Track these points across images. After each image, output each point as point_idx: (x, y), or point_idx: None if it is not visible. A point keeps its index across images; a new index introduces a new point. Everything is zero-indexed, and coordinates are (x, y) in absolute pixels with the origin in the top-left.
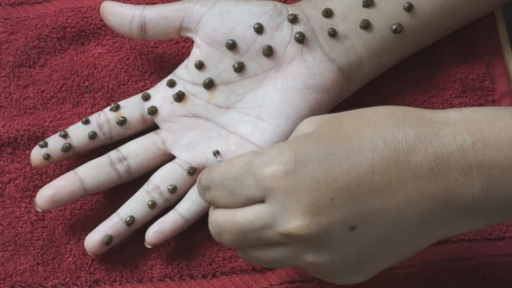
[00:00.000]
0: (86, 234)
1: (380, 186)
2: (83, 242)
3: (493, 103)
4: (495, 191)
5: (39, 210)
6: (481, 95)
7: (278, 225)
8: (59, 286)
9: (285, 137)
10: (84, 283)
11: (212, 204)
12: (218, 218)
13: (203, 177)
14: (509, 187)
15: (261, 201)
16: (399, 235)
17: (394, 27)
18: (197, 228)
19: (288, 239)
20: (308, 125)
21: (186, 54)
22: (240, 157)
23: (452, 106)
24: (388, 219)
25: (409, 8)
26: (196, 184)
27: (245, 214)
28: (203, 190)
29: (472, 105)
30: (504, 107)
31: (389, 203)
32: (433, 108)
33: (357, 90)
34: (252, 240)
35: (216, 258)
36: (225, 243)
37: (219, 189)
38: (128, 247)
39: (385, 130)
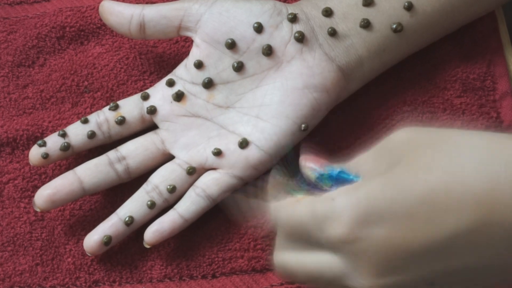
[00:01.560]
0: (85, 235)
1: (463, 248)
2: (82, 243)
3: (494, 102)
4: None
5: (38, 210)
6: (482, 95)
7: (349, 282)
8: (58, 286)
9: (285, 136)
10: (83, 284)
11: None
12: (283, 261)
13: (272, 213)
14: None
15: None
16: (480, 281)
17: (394, 26)
18: (197, 228)
19: None
20: (399, 146)
21: (186, 53)
22: (305, 202)
23: (453, 105)
24: (472, 274)
25: (409, 7)
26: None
27: (315, 262)
28: (274, 225)
29: (473, 105)
30: None
31: (474, 261)
32: (434, 108)
33: (357, 89)
34: (321, 286)
35: (216, 259)
36: (296, 283)
37: (286, 229)
38: (128, 247)
39: (480, 186)
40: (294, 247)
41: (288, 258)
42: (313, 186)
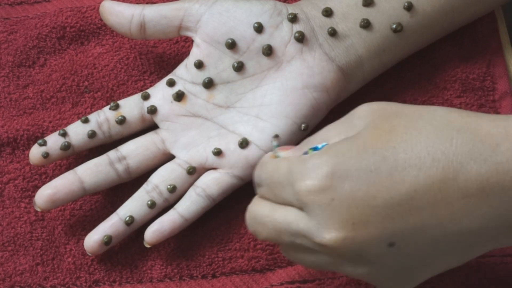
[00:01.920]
0: (85, 234)
1: (422, 204)
2: (82, 242)
3: (493, 103)
4: None
5: (38, 209)
6: (482, 95)
7: (313, 236)
8: (59, 286)
9: (285, 136)
10: (83, 284)
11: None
12: (259, 210)
13: (255, 173)
14: None
15: (300, 207)
16: (443, 250)
17: (394, 26)
18: (197, 228)
19: (323, 250)
20: (364, 115)
21: (186, 53)
22: (285, 161)
23: (452, 105)
24: (430, 236)
25: (409, 7)
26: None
27: (284, 214)
28: (256, 186)
29: (472, 105)
30: None
31: (431, 221)
32: None
33: (357, 89)
34: (287, 241)
35: (216, 259)
36: (258, 236)
37: (264, 187)
38: (128, 247)
39: (436, 146)
40: (268, 203)
41: (260, 208)
42: None
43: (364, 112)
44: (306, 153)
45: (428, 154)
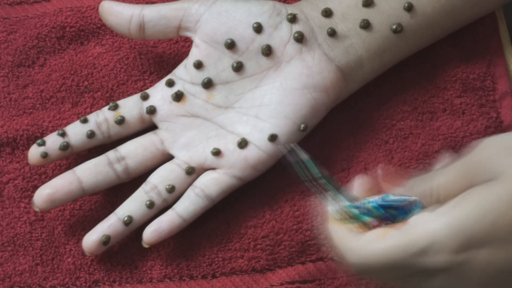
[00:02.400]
0: (85, 235)
1: None
2: None
3: (494, 103)
4: None
5: (37, 209)
6: (482, 95)
7: None
8: (58, 286)
9: (284, 137)
10: (83, 284)
11: None
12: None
13: (350, 259)
14: None
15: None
16: None
17: (394, 27)
18: (196, 228)
19: None
20: (497, 159)
21: (186, 53)
22: (391, 240)
23: (453, 105)
24: None
25: (409, 8)
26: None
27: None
28: (357, 271)
29: (473, 105)
30: None
31: None
32: (434, 108)
33: (357, 90)
34: None
35: (216, 259)
36: None
37: (377, 273)
38: (128, 247)
39: None
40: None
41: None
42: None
43: (498, 153)
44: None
45: None
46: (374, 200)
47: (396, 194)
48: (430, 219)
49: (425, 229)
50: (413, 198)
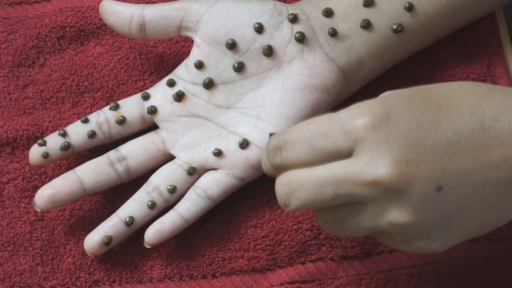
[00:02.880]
0: (85, 235)
1: (466, 149)
2: (82, 243)
3: None
4: None
5: (38, 210)
6: None
7: (364, 175)
8: (59, 286)
9: None
10: (83, 284)
11: (284, 166)
12: (292, 176)
13: (274, 138)
14: None
15: (346, 155)
16: (482, 201)
17: (394, 27)
18: (197, 229)
19: (373, 191)
20: (392, 94)
21: (186, 53)
22: (321, 116)
23: None
24: (473, 182)
25: (410, 8)
26: (263, 152)
27: (327, 167)
28: (273, 153)
29: None
30: None
31: (474, 166)
32: None
33: (357, 89)
34: (330, 196)
35: (216, 259)
36: (296, 205)
37: (296, 147)
38: (128, 247)
39: (471, 99)
40: (305, 163)
41: (295, 173)
42: None
43: (392, 92)
44: None
45: (466, 105)
46: None
47: None
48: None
49: (352, 107)
50: None
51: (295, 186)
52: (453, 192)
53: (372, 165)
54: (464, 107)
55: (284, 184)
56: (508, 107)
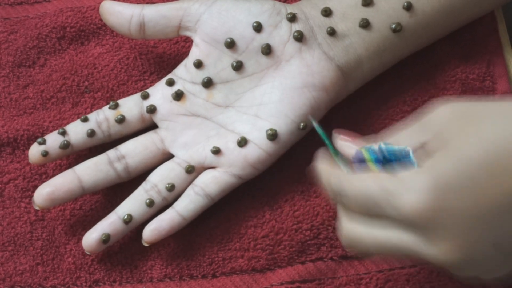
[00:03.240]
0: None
1: None
2: None
3: None
4: None
5: (37, 208)
6: (482, 95)
7: (424, 255)
8: (59, 286)
9: (284, 135)
10: (84, 283)
11: (344, 206)
12: (352, 231)
13: (333, 182)
14: None
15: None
16: None
17: (393, 26)
18: (196, 228)
19: (435, 263)
20: (439, 116)
21: (186, 53)
22: (372, 177)
23: None
24: None
25: (409, 7)
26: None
27: (386, 233)
28: (335, 195)
29: None
30: None
31: None
32: None
33: (356, 89)
34: (389, 256)
35: (216, 258)
36: (357, 253)
37: (352, 201)
38: (128, 247)
39: None
40: (361, 219)
41: (357, 230)
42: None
43: (441, 119)
44: (378, 154)
45: None
46: (371, 149)
47: (387, 143)
48: (404, 172)
49: (398, 177)
50: (407, 148)
51: (356, 241)
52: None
53: (430, 249)
54: None
55: (347, 237)
56: None
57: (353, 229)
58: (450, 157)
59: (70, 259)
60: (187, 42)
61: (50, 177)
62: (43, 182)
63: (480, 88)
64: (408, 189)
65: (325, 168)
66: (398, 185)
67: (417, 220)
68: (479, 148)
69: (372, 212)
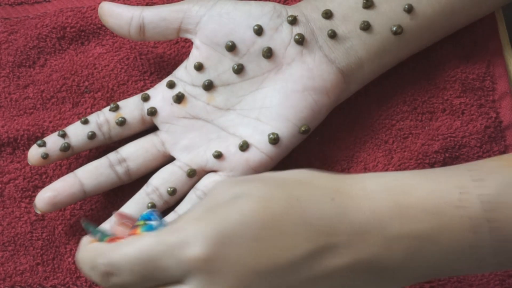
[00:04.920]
0: (86, 234)
1: (301, 267)
2: None
3: (493, 103)
4: (415, 260)
5: (39, 212)
6: (481, 95)
7: None
8: (59, 286)
9: (285, 139)
10: (83, 284)
11: None
12: None
13: (100, 262)
14: (429, 256)
15: (178, 280)
16: None
17: (394, 28)
18: None
19: None
20: (228, 192)
21: (186, 54)
22: (147, 236)
23: (452, 105)
24: None
25: (409, 10)
26: (86, 266)
27: None
28: (103, 276)
29: (472, 105)
30: (421, 170)
31: (308, 279)
32: (433, 108)
33: (357, 90)
34: None
35: None
36: None
37: (127, 275)
38: None
39: (307, 213)
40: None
41: None
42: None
43: (227, 188)
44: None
45: (302, 222)
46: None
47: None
48: (184, 222)
49: (178, 227)
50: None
51: None
52: None
53: None
54: (300, 225)
55: None
56: (343, 218)
57: None
58: (232, 212)
59: (70, 259)
60: (187, 43)
61: (50, 177)
62: (43, 182)
63: (480, 88)
64: (190, 238)
65: (88, 251)
66: (180, 236)
67: (199, 267)
68: (264, 207)
69: (151, 280)
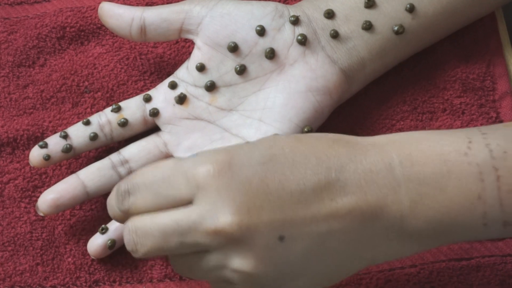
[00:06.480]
0: (86, 235)
1: (310, 199)
2: (82, 242)
3: (493, 103)
4: (422, 208)
5: (41, 214)
6: (482, 95)
7: (206, 223)
8: (59, 286)
9: None
10: (83, 284)
11: (130, 212)
12: (138, 223)
13: (122, 183)
14: (436, 204)
15: (189, 203)
16: (327, 251)
17: (395, 28)
18: None
19: (215, 240)
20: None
21: (186, 54)
22: (168, 159)
23: (452, 105)
24: (317, 232)
25: (411, 9)
26: (112, 195)
27: (170, 215)
28: (122, 197)
29: (472, 105)
30: (431, 131)
31: (318, 216)
32: (434, 108)
33: (358, 90)
34: (174, 245)
35: None
36: (140, 251)
37: (143, 193)
38: None
39: (318, 148)
40: (150, 210)
41: (139, 219)
42: None
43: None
44: None
45: (312, 155)
46: None
47: None
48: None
49: (191, 155)
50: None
51: (141, 233)
52: (297, 242)
53: (213, 214)
54: (310, 156)
55: (131, 232)
56: (352, 156)
57: (136, 222)
58: (247, 144)
59: (70, 259)
60: (188, 42)
61: (50, 177)
62: (43, 182)
63: (480, 88)
64: (203, 158)
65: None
66: (192, 158)
67: (208, 185)
68: (275, 145)
69: (161, 193)
